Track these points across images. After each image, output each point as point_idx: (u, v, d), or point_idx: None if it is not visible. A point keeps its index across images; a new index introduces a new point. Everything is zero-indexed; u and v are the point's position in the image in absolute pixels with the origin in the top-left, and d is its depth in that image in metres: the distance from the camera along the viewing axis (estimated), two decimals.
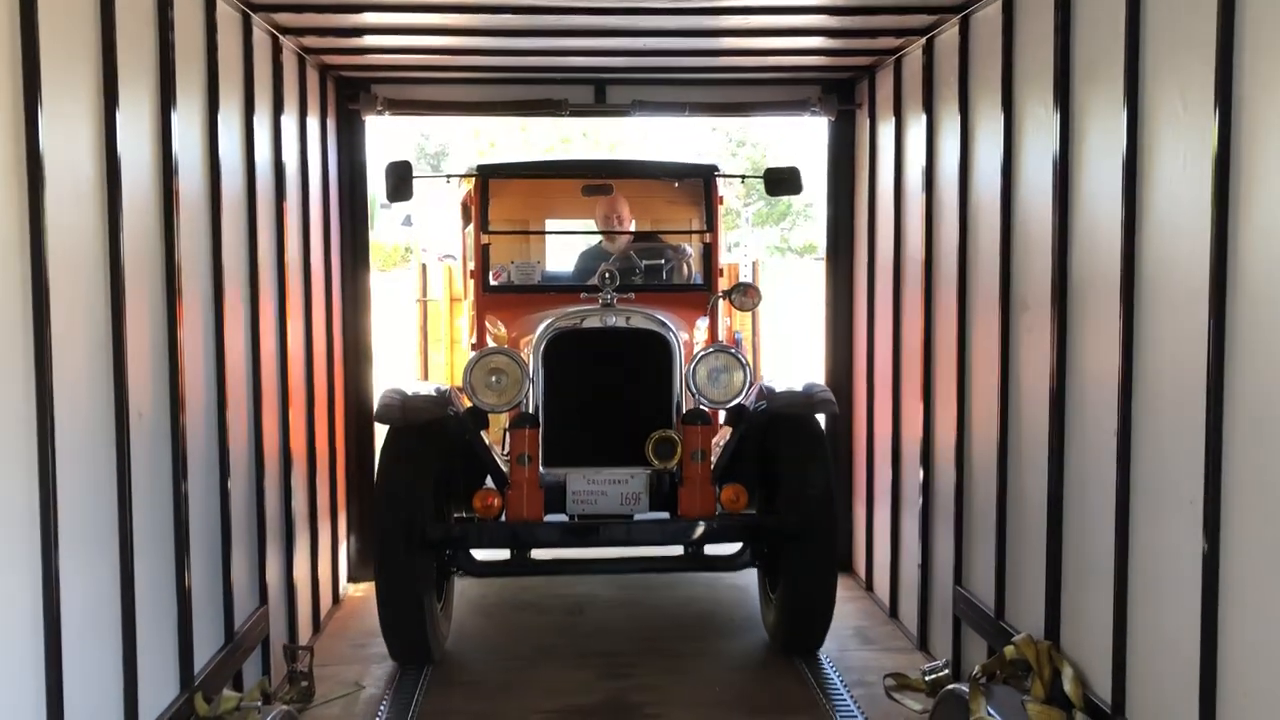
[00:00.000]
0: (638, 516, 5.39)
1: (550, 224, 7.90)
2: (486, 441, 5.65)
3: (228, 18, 4.85)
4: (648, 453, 5.25)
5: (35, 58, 3.08)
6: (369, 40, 6.24)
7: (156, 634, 3.96)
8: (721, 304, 6.65)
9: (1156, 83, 3.63)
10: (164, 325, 4.07)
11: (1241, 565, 3.16)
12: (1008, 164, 4.82)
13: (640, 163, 8.52)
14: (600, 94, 7.12)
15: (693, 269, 6.91)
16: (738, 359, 5.39)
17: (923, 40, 5.83)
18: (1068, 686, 4.12)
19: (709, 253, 6.78)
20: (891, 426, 6.42)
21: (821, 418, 5.95)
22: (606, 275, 5.53)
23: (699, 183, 6.99)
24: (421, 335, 8.48)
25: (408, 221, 25.23)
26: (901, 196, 6.34)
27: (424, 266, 8.97)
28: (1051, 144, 4.32)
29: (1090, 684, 4.07)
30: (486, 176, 6.75)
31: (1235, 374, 3.16)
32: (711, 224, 6.81)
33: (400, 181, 6.28)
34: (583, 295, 6.07)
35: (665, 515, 5.46)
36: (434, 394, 5.54)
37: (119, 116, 3.64)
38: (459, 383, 5.98)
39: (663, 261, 6.81)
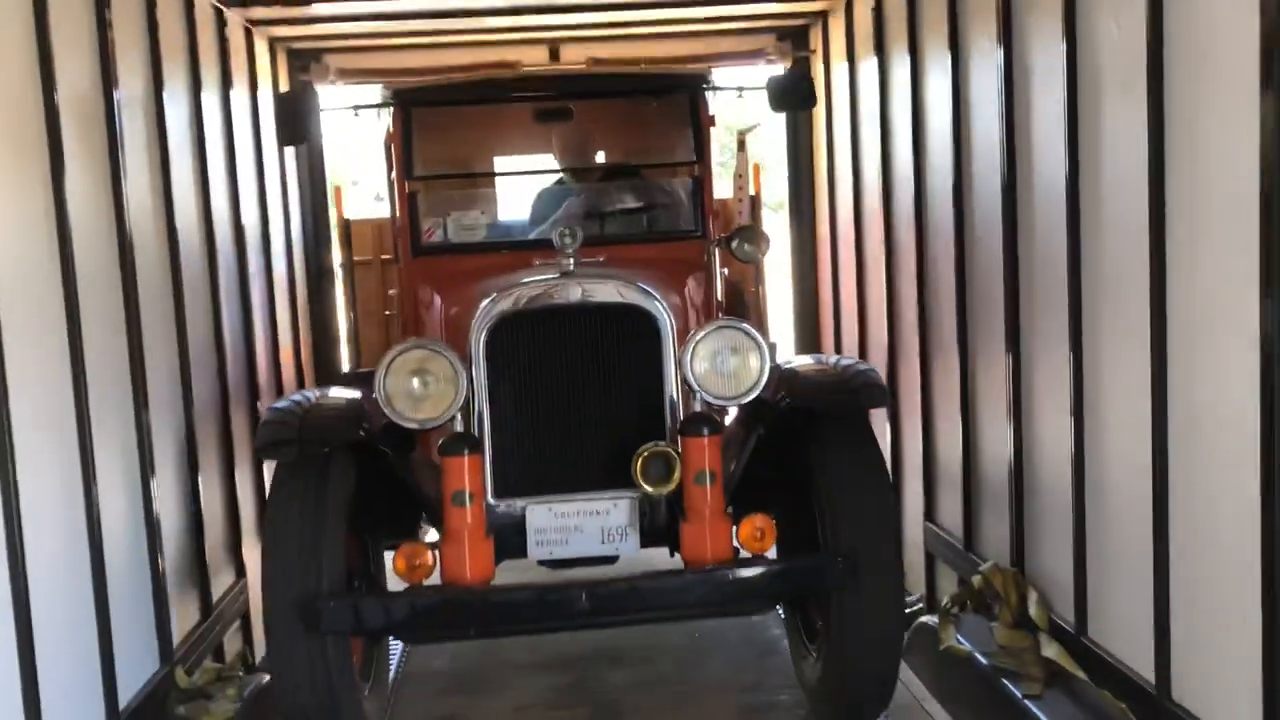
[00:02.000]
0: (624, 553, 3.96)
1: (498, 163, 6.25)
2: (424, 460, 4.22)
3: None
4: (635, 474, 3.74)
5: None
6: (317, 9, 6.21)
7: (134, 609, 4.00)
8: (717, 254, 5.23)
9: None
10: (120, 312, 4.08)
11: (1181, 482, 3.24)
12: (956, 100, 4.85)
13: (606, 76, 6.41)
14: (554, 54, 7.09)
15: (684, 210, 5.29)
16: (751, 336, 3.83)
17: None
18: (1033, 610, 4.19)
19: (699, 189, 5.19)
20: None
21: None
22: (565, 234, 3.94)
23: (683, 100, 5.32)
24: (349, 310, 6.46)
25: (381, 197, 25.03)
26: (858, 140, 6.36)
27: (346, 223, 6.53)
28: (996, 78, 4.35)
29: (1054, 607, 4.14)
30: (407, 105, 5.14)
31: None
32: (701, 151, 5.25)
33: (295, 117, 4.92)
34: (539, 257, 4.67)
35: (665, 552, 4.08)
36: (344, 404, 4.01)
37: (57, 94, 3.62)
38: None
39: (641, 204, 5.32)
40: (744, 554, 3.84)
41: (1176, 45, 3.16)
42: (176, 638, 4.32)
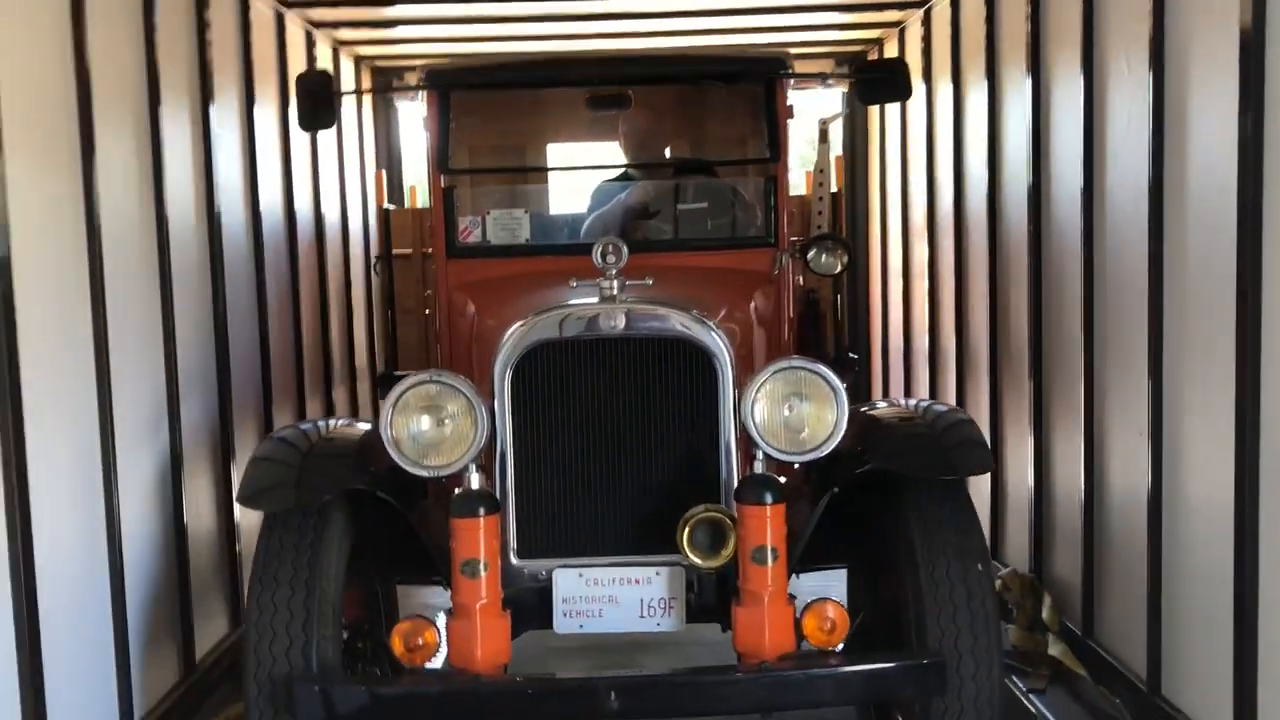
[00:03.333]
0: (666, 629, 3.28)
1: (546, 156, 5.59)
2: (439, 508, 3.47)
3: (262, 16, 5.25)
4: (681, 542, 3.13)
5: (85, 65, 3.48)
6: (400, 31, 6.62)
7: (158, 619, 3.94)
8: (790, 265, 4.63)
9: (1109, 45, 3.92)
10: (209, 319, 4.38)
11: (1194, 491, 3.44)
12: (993, 122, 5.11)
13: (670, 58, 5.66)
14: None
15: (754, 214, 4.64)
16: (826, 381, 3.15)
17: (920, 11, 6.10)
18: (1045, 614, 4.43)
19: (772, 190, 4.49)
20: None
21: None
22: (607, 249, 3.24)
23: (759, 87, 4.59)
24: (383, 310, 5.88)
25: None
26: (907, 160, 6.62)
27: (386, 213, 5.99)
28: (1026, 105, 4.61)
29: (1066, 612, 4.37)
30: (443, 88, 4.55)
31: None
32: (776, 146, 4.52)
33: (317, 101, 4.44)
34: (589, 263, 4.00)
35: (717, 630, 3.37)
36: (358, 436, 3.50)
37: (162, 115, 4.03)
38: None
39: (705, 205, 4.68)
40: (807, 645, 3.14)
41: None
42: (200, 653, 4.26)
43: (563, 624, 3.26)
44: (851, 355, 6.23)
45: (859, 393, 7.16)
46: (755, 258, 4.46)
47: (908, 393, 6.75)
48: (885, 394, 7.25)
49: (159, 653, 3.96)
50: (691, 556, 3.11)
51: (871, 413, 3.59)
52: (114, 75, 3.77)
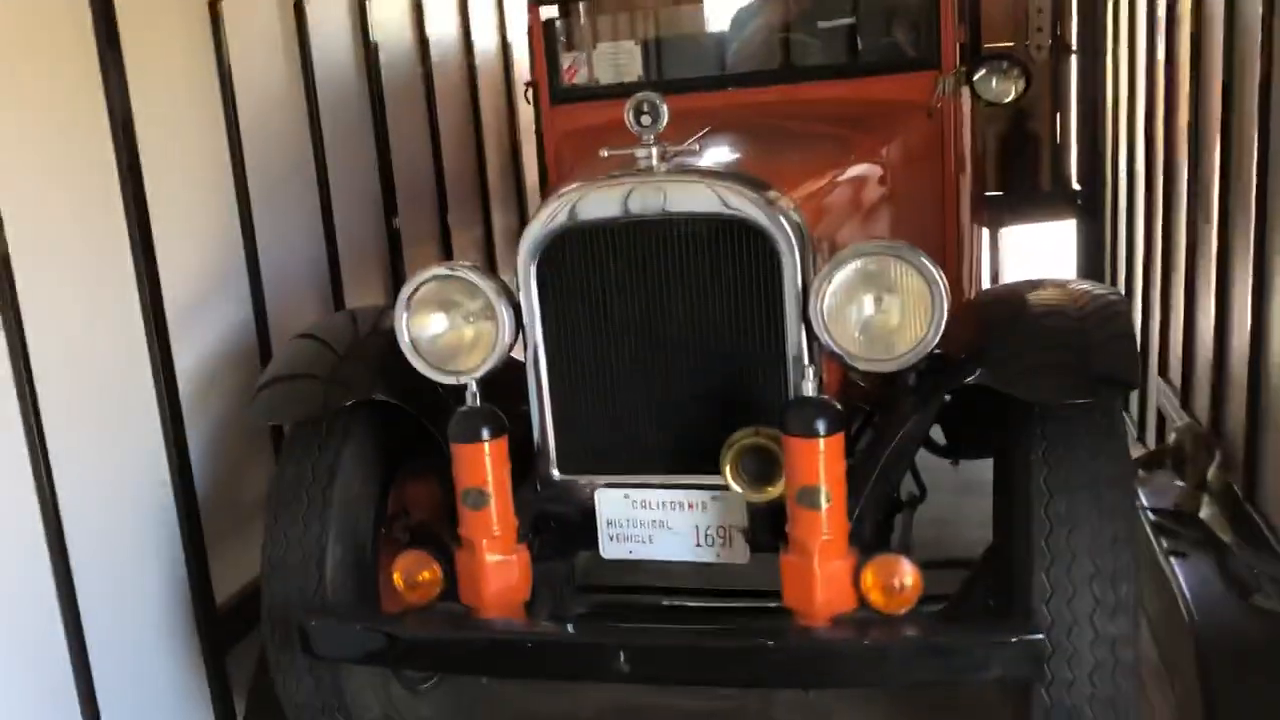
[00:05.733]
0: (729, 561, 2.75)
1: None
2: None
3: None
4: (724, 470, 2.60)
5: None
6: None
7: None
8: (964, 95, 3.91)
9: None
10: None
11: None
12: None
13: None
14: None
15: (910, 28, 3.88)
16: (918, 268, 2.48)
17: None
18: (1210, 474, 4.06)
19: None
20: None
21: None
22: (642, 107, 2.58)
23: None
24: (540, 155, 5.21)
25: None
26: None
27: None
28: None
29: (1234, 472, 3.99)
30: None
31: None
32: None
33: None
34: (719, 99, 3.76)
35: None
36: (373, 348, 3.03)
37: None
38: None
39: (854, 20, 3.95)
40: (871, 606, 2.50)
41: None
42: None
43: (610, 549, 2.81)
44: (1076, 188, 5.52)
45: (1090, 244, 6.03)
46: (907, 85, 3.72)
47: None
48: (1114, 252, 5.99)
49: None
50: (735, 487, 2.60)
51: (995, 299, 3.01)
52: None
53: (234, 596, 3.61)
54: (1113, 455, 2.51)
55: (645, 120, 2.58)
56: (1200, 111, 4.20)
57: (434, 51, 5.21)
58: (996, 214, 5.64)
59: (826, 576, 2.47)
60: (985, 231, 5.49)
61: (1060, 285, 3.06)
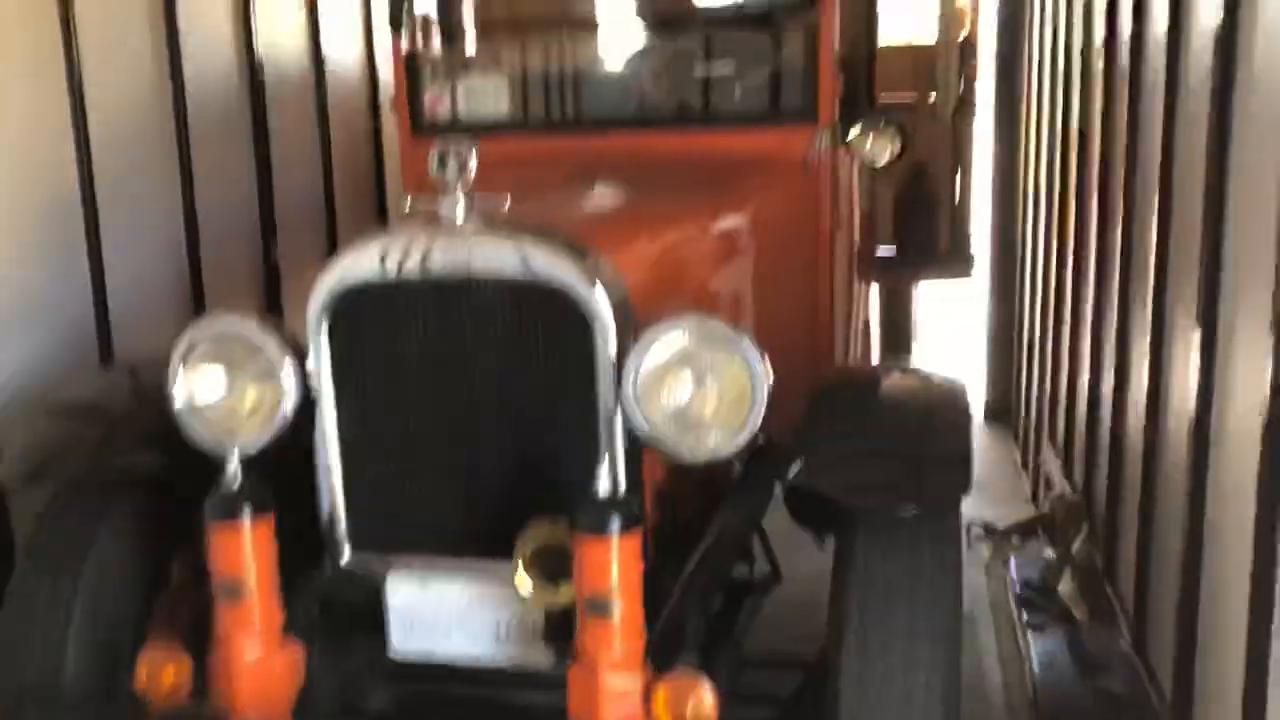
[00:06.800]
0: (535, 666, 2.36)
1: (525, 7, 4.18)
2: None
3: None
4: (516, 567, 2.23)
5: None
6: None
7: None
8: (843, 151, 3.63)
9: None
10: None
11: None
12: None
13: None
14: None
15: (786, 77, 3.65)
16: (735, 347, 2.21)
17: None
18: (1076, 545, 4.00)
19: (812, 45, 3.51)
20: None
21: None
22: (444, 153, 2.26)
23: None
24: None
25: None
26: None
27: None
28: None
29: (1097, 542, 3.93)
30: None
31: None
32: None
33: None
34: (583, 140, 3.59)
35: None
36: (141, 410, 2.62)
37: None
38: None
39: (734, 67, 3.74)
40: None
41: None
42: None
43: (403, 644, 2.41)
44: (972, 254, 5.33)
45: (999, 308, 6.07)
46: (780, 138, 3.47)
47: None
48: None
49: None
50: (522, 590, 2.22)
51: (836, 383, 2.79)
52: None
53: None
54: (938, 556, 2.25)
55: (449, 165, 2.24)
56: (1108, 182, 4.05)
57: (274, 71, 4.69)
58: (893, 272, 5.56)
59: (613, 694, 2.14)
60: (875, 288, 5.36)
61: (908, 375, 2.89)
